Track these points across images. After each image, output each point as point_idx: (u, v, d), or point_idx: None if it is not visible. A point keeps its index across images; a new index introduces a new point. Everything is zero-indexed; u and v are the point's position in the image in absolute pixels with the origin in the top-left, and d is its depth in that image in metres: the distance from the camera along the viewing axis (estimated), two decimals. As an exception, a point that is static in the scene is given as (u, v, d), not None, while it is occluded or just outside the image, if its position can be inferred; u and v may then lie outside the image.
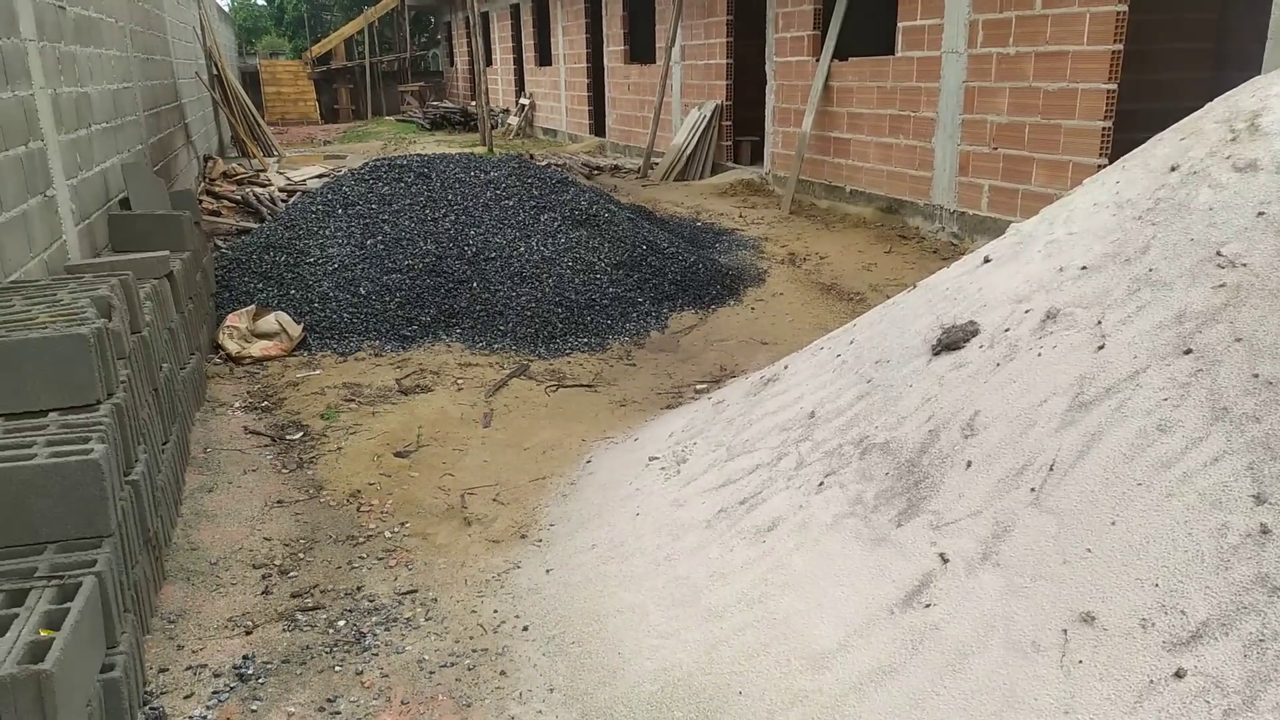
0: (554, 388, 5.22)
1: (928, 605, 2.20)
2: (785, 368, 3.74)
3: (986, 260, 3.31)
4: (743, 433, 3.34)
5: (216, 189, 12.02)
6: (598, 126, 17.20)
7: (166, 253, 4.77)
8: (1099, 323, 2.58)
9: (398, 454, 4.27)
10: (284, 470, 4.13)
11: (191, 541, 3.46)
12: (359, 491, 3.93)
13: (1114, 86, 6.40)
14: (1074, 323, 2.63)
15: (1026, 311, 2.80)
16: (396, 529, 3.63)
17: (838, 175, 9.59)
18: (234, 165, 13.95)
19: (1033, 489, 2.29)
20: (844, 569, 2.42)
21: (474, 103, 23.38)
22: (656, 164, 12.94)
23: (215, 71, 15.73)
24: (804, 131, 9.67)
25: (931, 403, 2.74)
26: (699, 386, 5.21)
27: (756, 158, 12.15)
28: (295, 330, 5.79)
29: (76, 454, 2.54)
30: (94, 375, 2.87)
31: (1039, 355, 2.60)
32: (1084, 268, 2.81)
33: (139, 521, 2.93)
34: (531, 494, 3.91)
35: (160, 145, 8.90)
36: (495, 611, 3.01)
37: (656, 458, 3.60)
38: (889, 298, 6.79)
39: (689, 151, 12.16)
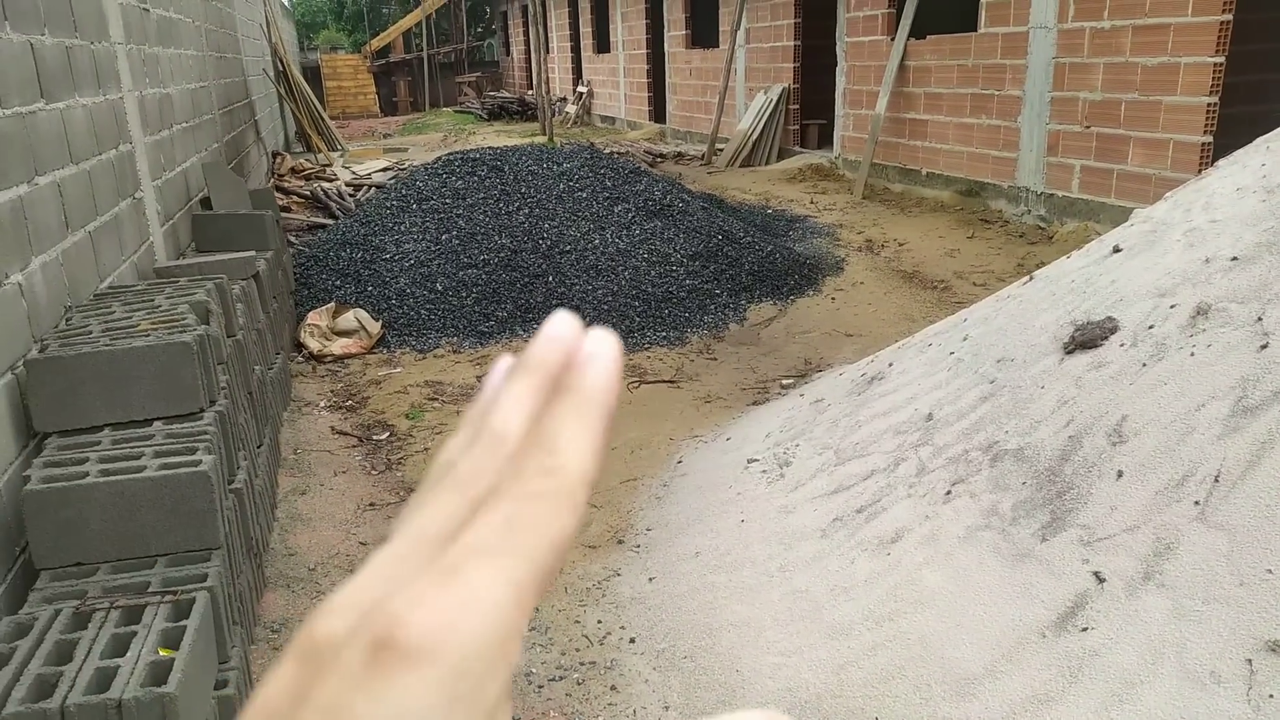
0: (635, 384, 5.11)
1: (1084, 629, 2.04)
2: (890, 365, 3.57)
3: (1116, 250, 3.10)
4: (851, 435, 3.19)
5: (285, 185, 12.17)
6: (658, 113, 17.02)
7: (253, 253, 4.77)
8: (1259, 319, 2.37)
9: (486, 454, 4.20)
10: (373, 472, 4.10)
11: (289, 547, 3.43)
12: (450, 494, 3.87)
13: (1222, 59, 6.04)
14: (1229, 319, 2.43)
15: (1172, 307, 2.60)
16: (491, 533, 3.56)
17: (914, 158, 9.30)
18: (301, 160, 14.13)
19: (1196, 502, 2.11)
20: (983, 586, 2.26)
21: (531, 92, 23.38)
22: (720, 150, 12.73)
23: (280, 67, 15.94)
24: (878, 113, 9.40)
25: (1069, 406, 2.56)
26: (785, 381, 5.06)
27: (824, 142, 11.87)
28: (374, 327, 5.78)
29: (185, 465, 2.51)
30: (198, 383, 2.84)
31: (1192, 355, 2.41)
32: (1234, 258, 2.59)
33: (242, 530, 2.90)
34: (624, 496, 3.81)
35: (233, 143, 9.01)
36: (599, 622, 2.92)
37: (756, 460, 3.47)
38: (976, 285, 6.56)
39: (755, 136, 11.93)
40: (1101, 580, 2.09)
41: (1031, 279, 3.45)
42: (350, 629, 0.22)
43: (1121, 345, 2.63)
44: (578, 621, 2.94)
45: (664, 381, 5.16)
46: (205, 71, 7.75)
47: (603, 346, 0.27)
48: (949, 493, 2.58)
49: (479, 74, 30.99)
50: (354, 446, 4.35)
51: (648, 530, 3.44)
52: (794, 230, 8.13)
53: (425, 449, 4.27)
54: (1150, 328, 2.61)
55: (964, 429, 2.78)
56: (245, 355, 3.72)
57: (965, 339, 3.29)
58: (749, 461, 3.49)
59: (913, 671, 2.18)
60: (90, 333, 2.96)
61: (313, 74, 28.35)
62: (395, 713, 0.21)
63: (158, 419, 2.82)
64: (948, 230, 7.89)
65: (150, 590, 2.35)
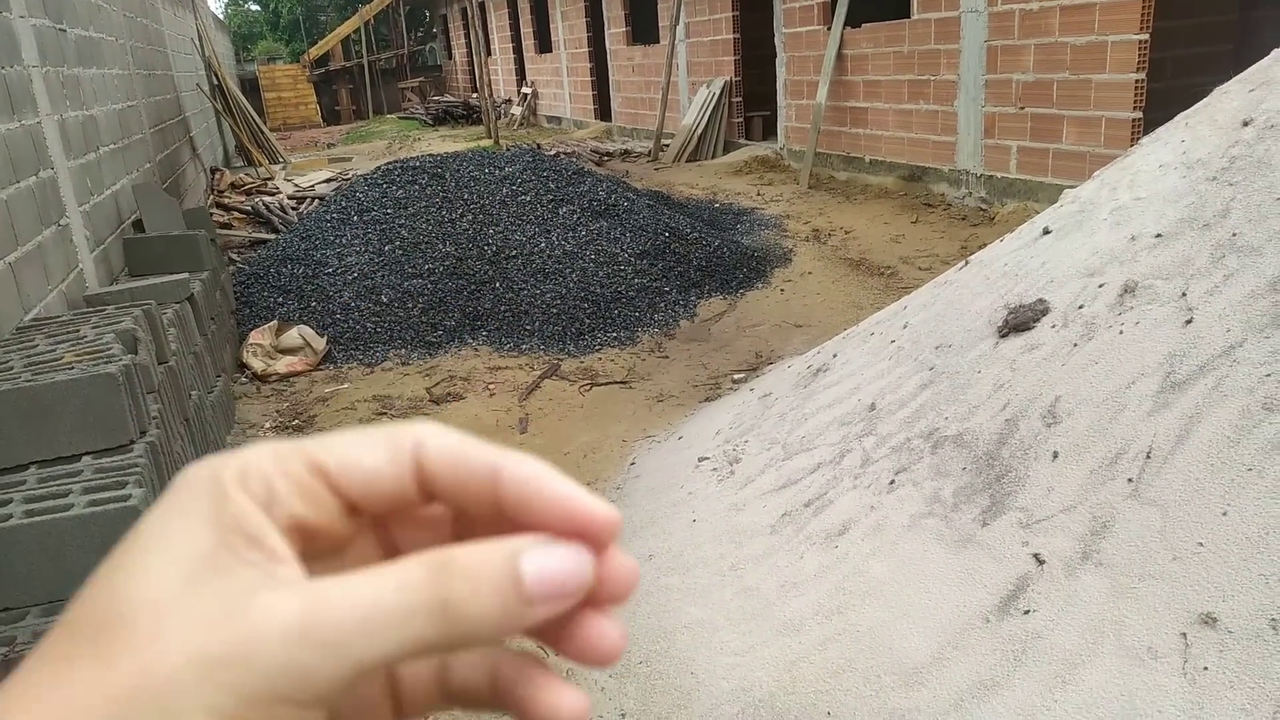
0: (587, 387, 5.09)
1: (1026, 611, 2.05)
2: (834, 356, 3.59)
3: (1046, 232, 3.14)
4: (798, 429, 3.20)
5: (226, 201, 11.94)
6: (603, 111, 16.98)
7: (186, 275, 4.66)
8: (1183, 295, 2.41)
9: (436, 467, 4.15)
10: (322, 492, 4.02)
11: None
12: (401, 510, 3.81)
13: (1146, 36, 6.16)
14: (1155, 296, 2.47)
15: (1100, 286, 2.63)
16: (443, 548, 3.52)
17: (856, 146, 9.38)
18: (241, 175, 13.87)
19: (1130, 479, 2.14)
20: (928, 574, 2.28)
21: (475, 95, 23.18)
22: (667, 146, 12.73)
23: (216, 81, 15.63)
24: (819, 103, 9.45)
25: (1005, 389, 2.59)
26: (736, 376, 5.07)
27: (769, 133, 11.92)
28: (319, 343, 5.69)
29: (114, 501, 2.43)
30: (125, 415, 2.76)
31: (1120, 333, 2.44)
32: (1159, 235, 2.64)
33: (182, 561, 2.83)
34: (578, 502, 3.78)
35: (168, 161, 8.81)
36: (555, 632, 2.89)
37: (707, 458, 3.47)
38: (922, 270, 6.62)
39: (700, 131, 11.95)
40: (1041, 562, 2.11)
41: (967, 264, 3.48)
42: None
43: (1053, 326, 2.66)
44: (532, 633, 2.91)
45: (616, 383, 5.14)
46: (133, 90, 7.56)
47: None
48: (893, 482, 2.60)
49: (421, 79, 30.67)
50: (301, 467, 4.27)
51: (601, 535, 3.42)
52: (741, 223, 8.15)
53: (374, 465, 4.21)
54: (1080, 308, 2.64)
55: (905, 417, 2.80)
56: (180, 381, 3.63)
57: (905, 326, 3.31)
58: (700, 460, 3.48)
59: (862, 663, 2.18)
60: (11, 368, 2.86)
61: (251, 86, 27.82)
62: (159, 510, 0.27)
63: (86, 453, 2.74)
64: (892, 216, 7.96)
65: (83, 632, 2.28)
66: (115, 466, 2.65)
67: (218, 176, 13.39)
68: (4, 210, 3.66)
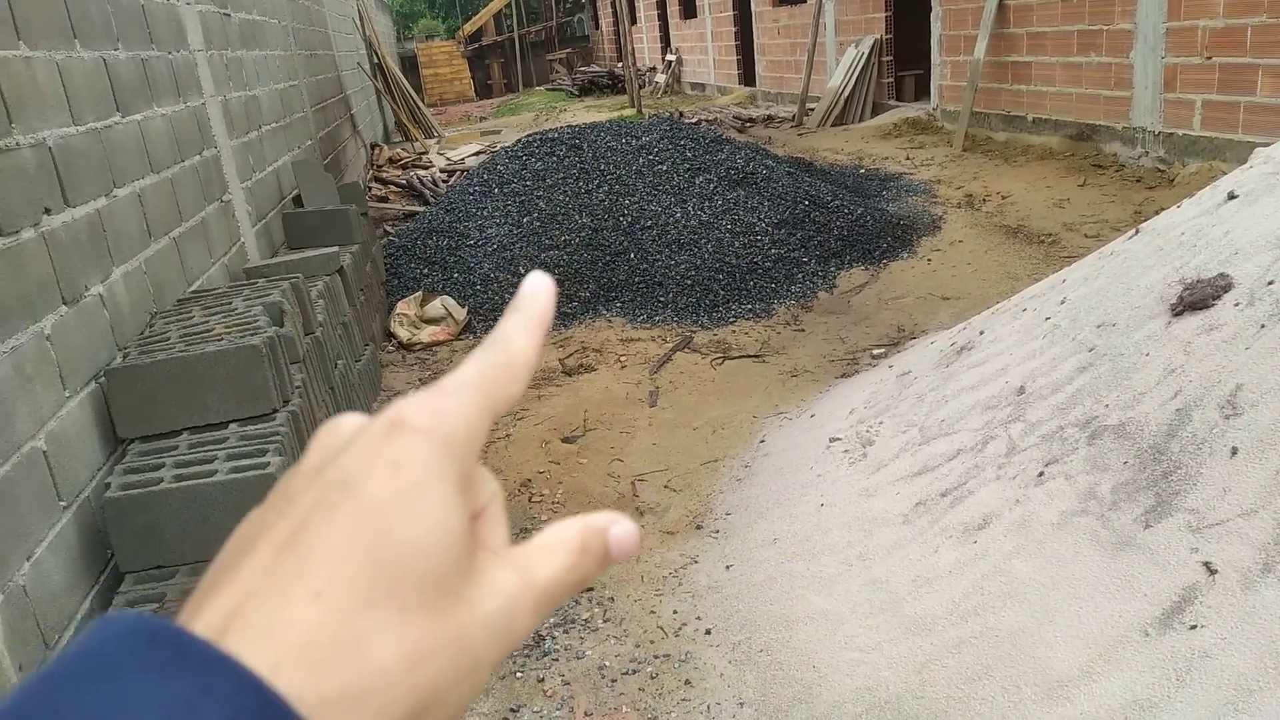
0: (720, 360, 4.98)
1: (1193, 626, 1.83)
2: (981, 333, 3.34)
3: (1231, 197, 2.79)
4: (937, 411, 2.99)
5: (383, 175, 12.48)
6: (747, 76, 16.63)
7: (336, 249, 4.86)
8: (1403, 268, 2.07)
9: (565, 439, 4.17)
10: (457, 460, 4.12)
11: (372, 538, 3.48)
12: (529, 481, 3.86)
13: (1365, -32, 5.39)
14: (1366, 270, 2.13)
15: (1296, 258, 2.30)
16: (569, 521, 3.52)
17: (1017, 104, 8.75)
18: (398, 150, 14.45)
19: (1326, 483, 1.86)
20: (1079, 578, 2.07)
21: (620, 64, 23.22)
22: (812, 110, 12.32)
23: (376, 60, 16.30)
24: (976, 59, 8.86)
25: (1177, 375, 2.31)
26: (875, 351, 4.84)
27: (921, 93, 11.32)
28: (460, 314, 5.83)
29: (254, 468, 2.55)
30: (269, 384, 2.88)
31: (1320, 313, 2.12)
32: (1373, 199, 2.27)
33: (320, 526, 2.95)
34: (704, 479, 3.71)
35: (329, 138, 9.24)
36: (675, 612, 2.84)
37: (838, 439, 3.31)
38: (1088, 237, 6.11)
39: (846, 93, 11.48)
40: (1213, 572, 1.87)
41: (1138, 233, 3.14)
42: (367, 421, 0.33)
43: (1236, 305, 2.35)
44: (653, 612, 2.87)
45: (749, 356, 5.01)
46: (294, 70, 7.95)
47: (539, 283, 0.38)
48: (1042, 474, 2.38)
49: (569, 50, 31.02)
50: (438, 435, 4.39)
51: (727, 515, 3.33)
52: (888, 189, 7.78)
53: (507, 435, 4.27)
54: (1270, 284, 2.32)
55: (1059, 403, 2.56)
56: (325, 351, 3.78)
57: (1063, 302, 3.03)
58: (831, 440, 3.33)
59: (1001, 671, 2.01)
60: (168, 338, 3.04)
61: (410, 64, 28.94)
62: (406, 458, 0.31)
63: (233, 421, 2.88)
64: (1056, 179, 7.39)
65: (225, 592, 2.40)
66: (258, 434, 2.78)
67: (377, 152, 14.01)
68: (169, 188, 3.90)
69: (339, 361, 4.07)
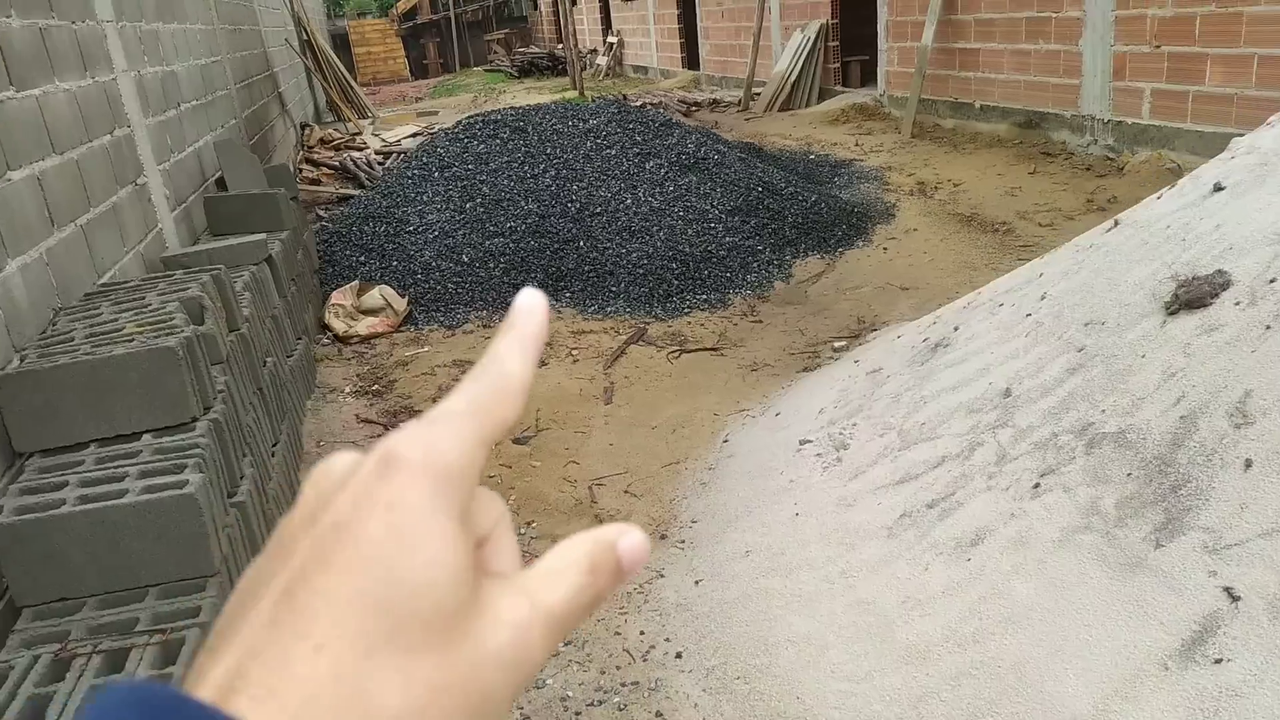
0: (676, 353, 4.78)
1: (1218, 660, 1.68)
2: (955, 329, 3.19)
3: (1218, 188, 2.67)
4: (915, 413, 2.83)
5: (315, 156, 11.95)
6: (690, 59, 16.41)
7: (264, 235, 4.51)
8: None
9: (517, 440, 3.93)
10: (399, 464, 3.84)
11: (308, 554, 3.20)
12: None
13: (1315, -42, 5.40)
14: (1380, 269, 2.01)
15: (1301, 255, 2.18)
16: (523, 531, 3.29)
17: (965, 90, 8.70)
18: (330, 131, 13.89)
19: (1353, 500, 1.73)
20: (1087, 603, 1.92)
21: (561, 46, 22.79)
22: (758, 94, 12.17)
23: (305, 37, 15.64)
24: (924, 45, 8.79)
25: (1178, 379, 2.17)
26: (837, 344, 4.69)
27: (868, 79, 11.24)
28: (400, 304, 5.52)
29: (171, 487, 2.26)
30: (186, 390, 2.58)
31: (1333, 315, 2.00)
32: (1380, 193, 2.16)
33: (248, 546, 2.67)
34: (666, 482, 3.51)
35: (255, 118, 8.76)
36: (642, 633, 2.64)
37: (809, 441, 3.14)
38: (1042, 226, 6.06)
39: (793, 78, 11.35)
40: (1235, 599, 1.73)
41: (1117, 224, 3.02)
42: (359, 459, 0.32)
43: (1237, 304, 2.23)
44: (618, 633, 2.66)
45: (706, 349, 4.82)
46: (217, 45, 7.48)
47: (532, 300, 0.38)
48: (1037, 485, 2.23)
49: (507, 30, 30.38)
50: (379, 436, 4.10)
51: (693, 523, 3.14)
52: (839, 176, 7.66)
53: (453, 437, 4.01)
54: (1271, 282, 2.20)
55: (1050, 407, 2.41)
56: (252, 349, 3.46)
57: (1044, 298, 2.89)
58: (802, 443, 3.15)
59: (1007, 708, 1.85)
60: (73, 340, 2.72)
61: (341, 41, 28.01)
62: (400, 497, 0.30)
63: (147, 431, 2.58)
64: (1007, 166, 7.35)
65: (138, 629, 2.12)
66: (175, 447, 2.48)
67: (307, 132, 13.44)
68: (74, 170, 3.53)
69: (268, 359, 3.75)
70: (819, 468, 2.95)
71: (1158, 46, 6.52)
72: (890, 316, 4.98)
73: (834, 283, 5.59)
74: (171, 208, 4.89)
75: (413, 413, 4.31)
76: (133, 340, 2.66)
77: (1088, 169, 6.92)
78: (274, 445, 3.51)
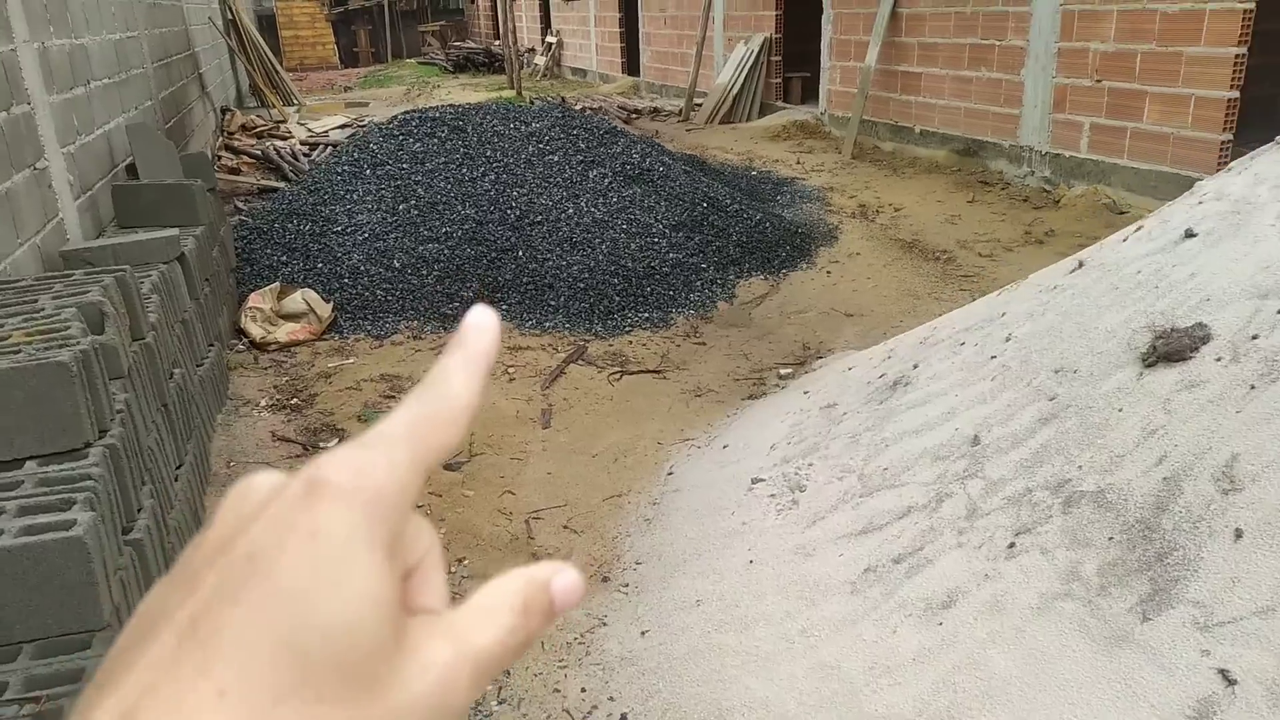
0: (617, 374, 4.60)
1: (1216, 752, 1.57)
2: (915, 367, 3.08)
3: (1189, 235, 2.61)
4: (877, 457, 2.70)
5: (235, 143, 11.39)
6: (631, 65, 16.27)
7: (176, 231, 4.16)
8: None
9: (448, 466, 3.68)
10: (319, 487, 3.56)
11: (214, 590, 2.90)
12: (407, 515, 3.35)
13: (1252, 4, 5.53)
14: (1368, 334, 1.95)
15: (1279, 312, 2.11)
16: (454, 569, 3.06)
17: (906, 114, 8.75)
18: (253, 117, 13.29)
19: (1352, 581, 1.64)
20: (1070, 679, 1.80)
21: (498, 42, 22.40)
22: (699, 105, 12.09)
23: (230, 16, 14.97)
24: (868, 65, 8.81)
25: (1159, 437, 2.08)
26: (783, 371, 4.57)
27: (808, 96, 11.27)
28: (325, 310, 5.20)
29: (55, 529, 1.97)
30: (79, 412, 2.29)
31: (1322, 379, 1.93)
32: (1362, 253, 2.11)
33: (144, 587, 2.38)
34: (608, 517, 3.32)
35: (172, 99, 8.26)
36: (583, 690, 2.44)
37: (762, 480, 2.98)
38: (982, 256, 6.08)
39: (735, 91, 11.30)
40: (1232, 682, 1.63)
41: (1081, 265, 2.95)
42: (283, 482, 0.30)
43: (1218, 360, 2.15)
44: (557, 690, 2.46)
45: (648, 371, 4.65)
46: (133, 20, 7.00)
47: (484, 317, 0.35)
48: (1012, 545, 2.11)
49: (443, 23, 29.79)
50: (297, 456, 3.81)
51: (637, 564, 2.95)
52: (781, 194, 7.59)
53: (379, 458, 3.74)
54: (1254, 338, 2.13)
55: (1022, 460, 2.30)
56: (158, 360, 3.15)
57: (1009, 339, 2.80)
58: (754, 481, 3.00)
59: (987, 796, 1.71)
60: (-55, 349, 2.38)
61: (268, 23, 27.05)
62: (325, 525, 0.28)
63: (31, 458, 2.27)
64: (946, 193, 7.38)
65: (6, 697, 1.83)
66: (63, 478, 2.18)
67: (228, 117, 12.83)
68: (-40, 153, 3.16)
69: (175, 371, 3.43)
70: (773, 509, 2.80)
71: (1098, 81, 6.63)
72: (836, 344, 4.89)
73: (778, 305, 5.48)
74: (76, 195, 4.49)
75: (334, 431, 4.02)
76: (19, 351, 2.34)
77: (1025, 200, 6.99)
78: (178, 468, 3.20)
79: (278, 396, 4.40)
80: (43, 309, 2.66)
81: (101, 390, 2.43)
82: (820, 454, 2.93)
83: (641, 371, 4.63)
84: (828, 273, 5.91)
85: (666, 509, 3.25)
